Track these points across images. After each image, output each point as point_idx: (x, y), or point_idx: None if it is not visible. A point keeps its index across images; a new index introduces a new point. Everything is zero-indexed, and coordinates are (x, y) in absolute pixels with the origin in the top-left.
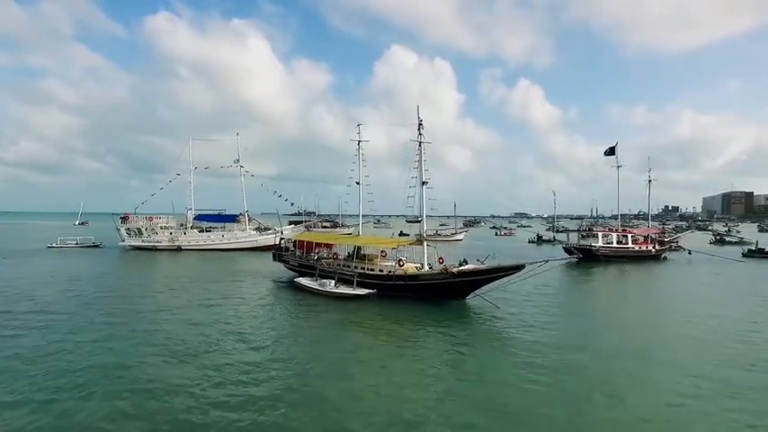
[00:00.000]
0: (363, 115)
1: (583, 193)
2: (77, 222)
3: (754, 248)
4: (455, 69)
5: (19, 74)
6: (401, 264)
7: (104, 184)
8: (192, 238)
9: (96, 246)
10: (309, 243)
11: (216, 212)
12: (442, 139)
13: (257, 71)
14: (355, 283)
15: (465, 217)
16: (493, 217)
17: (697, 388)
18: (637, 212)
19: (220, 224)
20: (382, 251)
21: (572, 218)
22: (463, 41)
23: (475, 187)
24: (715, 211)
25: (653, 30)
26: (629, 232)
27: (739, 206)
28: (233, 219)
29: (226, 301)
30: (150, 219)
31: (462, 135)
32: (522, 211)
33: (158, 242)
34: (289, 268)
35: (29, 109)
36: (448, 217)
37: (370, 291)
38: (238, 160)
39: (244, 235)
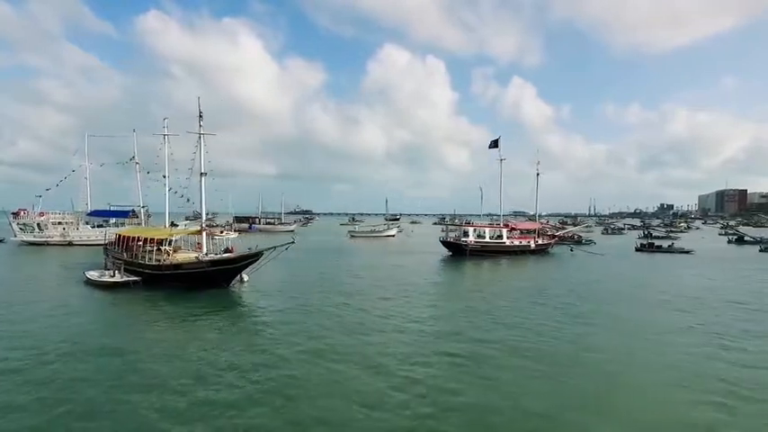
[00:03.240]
0: (358, 114)
1: (582, 190)
2: None
3: (645, 243)
4: (446, 68)
5: (13, 74)
6: (169, 254)
7: (101, 182)
8: (84, 234)
9: (0, 241)
10: (125, 237)
11: (115, 209)
12: (438, 138)
13: (251, 69)
14: (122, 272)
15: (436, 215)
16: (490, 215)
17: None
18: (634, 210)
19: (119, 219)
20: (198, 243)
21: (569, 216)
22: (451, 41)
23: (473, 185)
24: (709, 209)
25: (637, 28)
26: (510, 227)
27: (733, 204)
28: (126, 214)
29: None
30: (41, 214)
31: (458, 134)
32: (519, 210)
33: (50, 237)
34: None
35: (25, 108)
36: (391, 214)
37: (133, 279)
38: (134, 158)
39: None
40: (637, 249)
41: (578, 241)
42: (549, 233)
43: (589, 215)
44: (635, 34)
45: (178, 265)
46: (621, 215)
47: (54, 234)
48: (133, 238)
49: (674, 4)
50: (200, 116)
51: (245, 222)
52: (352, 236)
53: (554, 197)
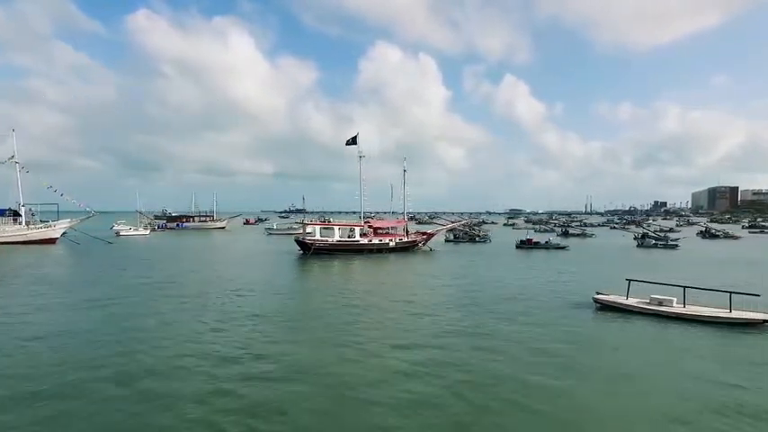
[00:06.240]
0: (351, 112)
1: (579, 189)
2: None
3: (524, 240)
4: (437, 66)
5: (4, 73)
6: None
7: (101, 182)
8: None
9: None
10: None
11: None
12: (432, 137)
13: (244, 68)
14: None
15: (428, 213)
16: (489, 213)
17: None
18: (628, 207)
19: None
20: None
21: (566, 214)
22: (439, 39)
23: (470, 184)
24: (702, 206)
25: (624, 26)
26: (369, 225)
27: (724, 201)
28: (2, 213)
29: None
30: None
31: (452, 132)
32: (517, 208)
33: None
34: None
35: (16, 108)
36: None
37: None
38: (13, 157)
39: (11, 229)
40: (517, 246)
41: (472, 237)
42: (420, 231)
43: (586, 213)
44: (621, 31)
45: None
46: (617, 212)
47: None
48: None
49: (657, 1)
50: None
51: (174, 221)
52: (270, 233)
53: (550, 195)
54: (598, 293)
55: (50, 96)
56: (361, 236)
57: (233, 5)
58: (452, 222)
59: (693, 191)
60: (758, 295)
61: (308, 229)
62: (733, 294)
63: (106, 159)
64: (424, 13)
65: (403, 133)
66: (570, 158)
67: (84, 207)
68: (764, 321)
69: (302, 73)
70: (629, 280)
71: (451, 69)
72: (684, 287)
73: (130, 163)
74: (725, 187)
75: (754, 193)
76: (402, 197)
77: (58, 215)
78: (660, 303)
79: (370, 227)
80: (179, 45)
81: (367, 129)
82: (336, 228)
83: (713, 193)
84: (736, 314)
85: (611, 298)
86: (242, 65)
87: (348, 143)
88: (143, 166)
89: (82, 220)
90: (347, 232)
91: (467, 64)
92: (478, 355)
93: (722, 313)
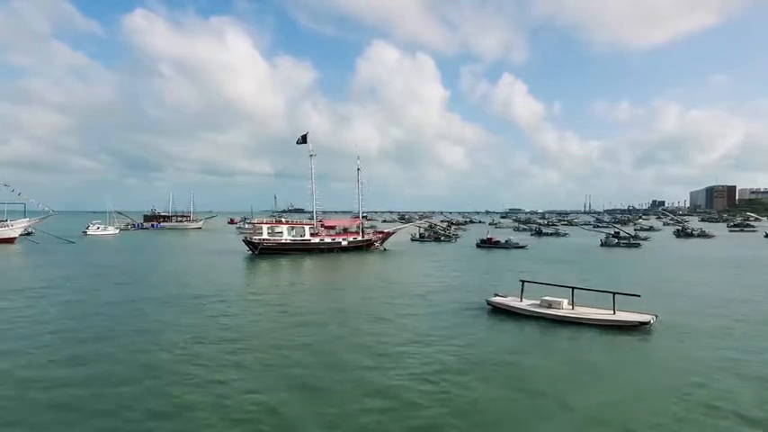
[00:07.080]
0: (350, 112)
1: (579, 188)
2: None
3: (484, 239)
4: (435, 65)
5: (1, 73)
6: None
7: (102, 182)
8: None
9: None
10: None
11: None
12: (431, 136)
13: (241, 68)
14: None
15: (426, 211)
16: (488, 212)
17: None
18: (627, 207)
19: None
20: None
21: (563, 213)
22: (434, 39)
23: (470, 183)
24: (700, 205)
25: (619, 25)
26: (322, 224)
27: (721, 200)
28: None
29: None
30: None
31: (451, 131)
32: (516, 207)
33: None
34: None
35: (14, 108)
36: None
37: None
38: None
39: None
40: (477, 246)
41: (438, 237)
42: (377, 230)
43: (584, 212)
44: (618, 30)
45: None
46: (615, 212)
47: None
48: None
49: (652, 1)
50: None
51: (150, 221)
52: (241, 232)
53: (550, 194)
54: (496, 295)
55: (49, 96)
56: (311, 235)
57: (229, 5)
58: (428, 221)
59: (692, 190)
60: (638, 296)
61: (261, 229)
62: (617, 295)
63: (105, 159)
64: (420, 12)
65: (402, 132)
66: (569, 158)
67: (42, 207)
68: (641, 323)
69: (300, 73)
70: (523, 281)
71: (449, 68)
72: (573, 288)
73: (129, 163)
74: (722, 186)
75: (752, 192)
76: (358, 197)
77: (25, 214)
78: (549, 306)
79: (323, 226)
80: (176, 45)
81: (365, 128)
82: (285, 227)
83: (711, 193)
84: (618, 316)
85: (505, 300)
86: (240, 65)
87: (298, 142)
88: (142, 166)
89: (41, 220)
90: (299, 232)
91: (464, 63)
92: (313, 363)
93: (606, 315)
